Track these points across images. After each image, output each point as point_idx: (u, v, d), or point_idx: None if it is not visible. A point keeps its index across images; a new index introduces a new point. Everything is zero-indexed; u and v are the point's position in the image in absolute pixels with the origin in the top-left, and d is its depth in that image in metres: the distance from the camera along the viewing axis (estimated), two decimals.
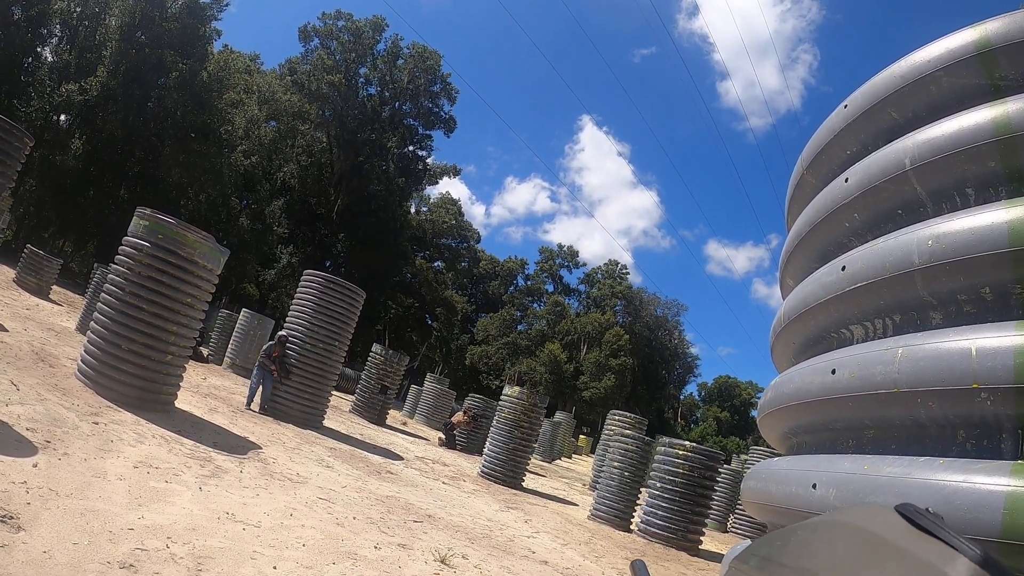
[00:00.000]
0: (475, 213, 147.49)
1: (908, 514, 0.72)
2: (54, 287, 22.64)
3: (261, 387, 11.76)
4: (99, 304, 8.11)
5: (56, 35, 35.36)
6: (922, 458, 3.93)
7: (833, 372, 4.74)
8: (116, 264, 8.13)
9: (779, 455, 6.71)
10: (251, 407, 11.67)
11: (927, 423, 4.07)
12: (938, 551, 0.65)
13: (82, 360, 7.97)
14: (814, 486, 4.44)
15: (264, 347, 12.02)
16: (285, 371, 11.88)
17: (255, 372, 11.91)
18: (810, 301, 5.55)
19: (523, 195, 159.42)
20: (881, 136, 5.41)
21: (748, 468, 14.01)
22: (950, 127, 4.59)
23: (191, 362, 10.79)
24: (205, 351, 18.40)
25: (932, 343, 4.06)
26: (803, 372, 5.38)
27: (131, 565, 3.67)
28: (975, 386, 3.70)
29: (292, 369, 11.99)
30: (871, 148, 5.45)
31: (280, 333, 12.16)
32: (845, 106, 5.94)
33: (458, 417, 18.95)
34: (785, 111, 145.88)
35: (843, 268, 5.08)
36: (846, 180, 5.47)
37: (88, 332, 8.13)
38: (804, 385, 5.20)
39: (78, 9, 34.52)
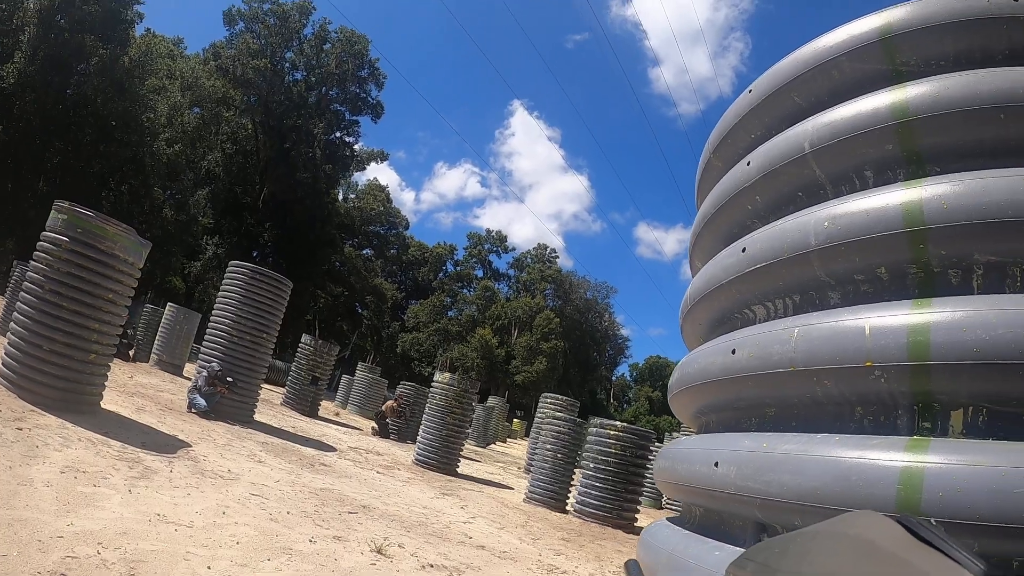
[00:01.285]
0: (405, 199, 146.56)
1: (910, 525, 0.73)
2: None
3: (206, 400, 11.34)
4: (18, 304, 7.85)
5: None
6: (820, 435, 4.03)
7: (733, 352, 4.81)
8: (34, 261, 7.86)
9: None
10: (192, 411, 11.31)
11: (824, 401, 4.19)
12: (941, 564, 0.67)
13: (2, 363, 7.73)
14: (716, 464, 4.52)
15: (201, 377, 11.48)
16: (230, 384, 11.65)
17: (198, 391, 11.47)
18: (713, 282, 5.62)
19: (453, 181, 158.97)
20: (784, 120, 5.45)
21: None
22: (849, 111, 4.69)
23: (116, 360, 10.47)
24: (131, 351, 17.85)
25: (827, 322, 4.17)
26: (706, 352, 5.46)
27: (62, 574, 3.66)
28: (868, 364, 3.80)
29: (234, 382, 11.78)
30: (774, 132, 5.50)
31: (215, 368, 11.58)
32: (750, 91, 5.99)
33: (388, 405, 18.96)
34: (716, 98, 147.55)
35: (743, 250, 5.14)
36: (748, 163, 5.54)
37: (8, 333, 7.89)
38: (707, 365, 5.27)
39: None
